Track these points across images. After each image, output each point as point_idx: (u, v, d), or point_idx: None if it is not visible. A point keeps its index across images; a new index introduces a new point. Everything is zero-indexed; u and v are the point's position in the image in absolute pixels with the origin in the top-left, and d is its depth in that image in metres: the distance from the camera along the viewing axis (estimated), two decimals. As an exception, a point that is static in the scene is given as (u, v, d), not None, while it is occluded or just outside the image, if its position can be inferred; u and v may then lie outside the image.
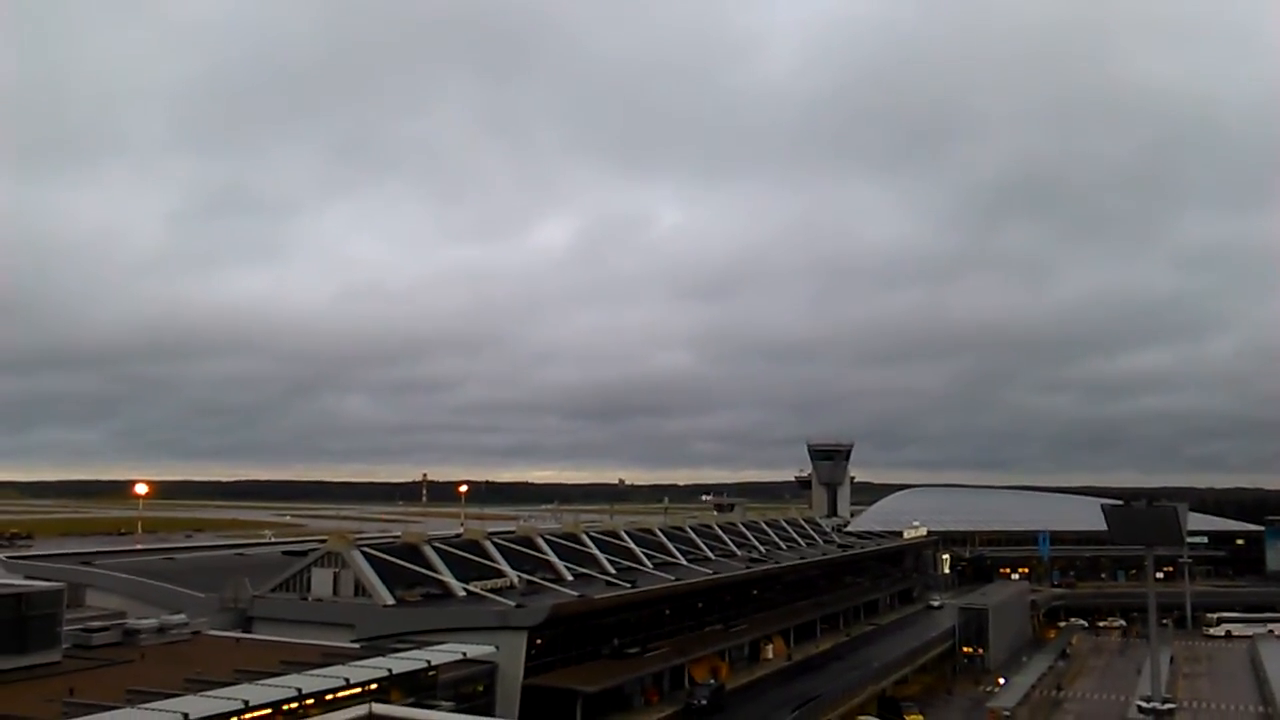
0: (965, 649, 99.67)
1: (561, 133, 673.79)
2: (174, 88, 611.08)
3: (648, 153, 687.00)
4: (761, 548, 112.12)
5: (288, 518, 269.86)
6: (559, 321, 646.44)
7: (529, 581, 72.12)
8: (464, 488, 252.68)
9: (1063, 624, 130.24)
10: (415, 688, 47.39)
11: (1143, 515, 72.43)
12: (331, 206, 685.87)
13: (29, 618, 44.87)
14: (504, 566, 72.83)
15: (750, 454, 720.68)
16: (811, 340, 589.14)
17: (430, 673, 48.94)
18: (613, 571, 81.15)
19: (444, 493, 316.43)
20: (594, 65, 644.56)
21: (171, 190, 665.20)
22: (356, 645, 53.19)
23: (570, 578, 75.99)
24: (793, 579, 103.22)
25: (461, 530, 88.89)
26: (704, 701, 66.80)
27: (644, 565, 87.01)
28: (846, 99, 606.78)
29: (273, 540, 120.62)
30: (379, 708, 38.22)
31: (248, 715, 37.39)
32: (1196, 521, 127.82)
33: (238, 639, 56.29)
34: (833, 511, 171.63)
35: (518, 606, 61.70)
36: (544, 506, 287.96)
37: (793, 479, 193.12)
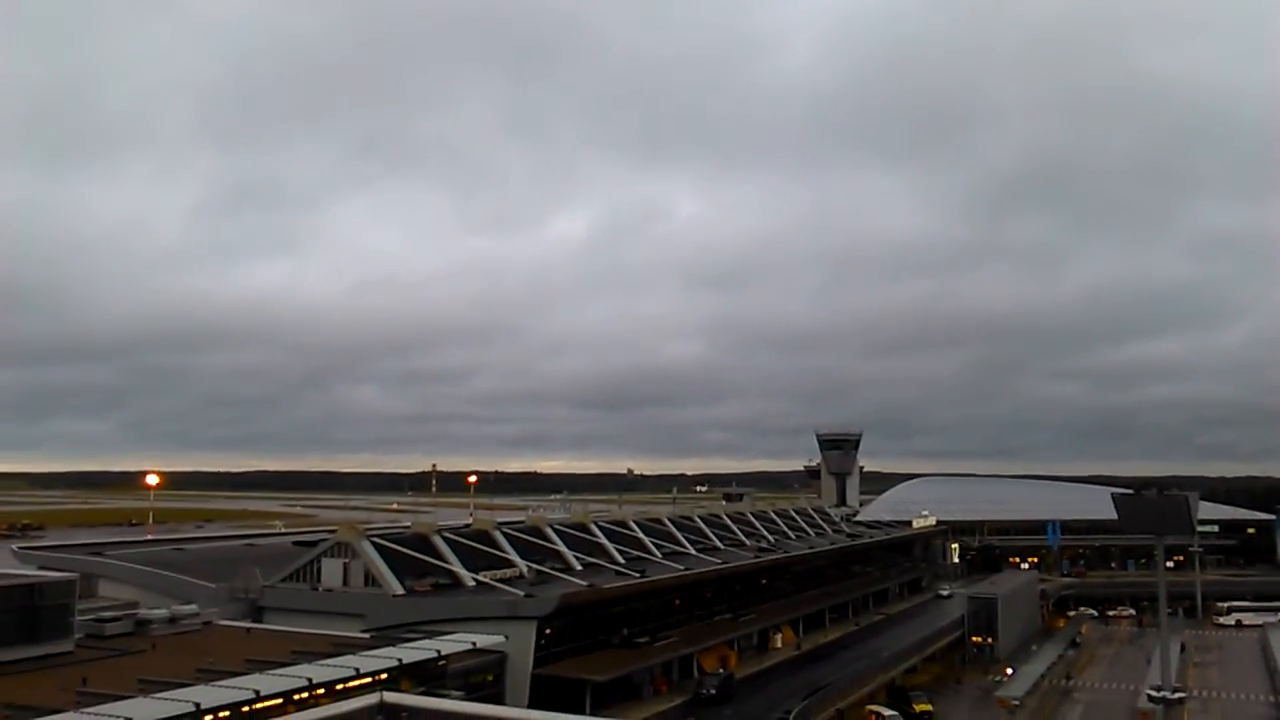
0: (974, 638, 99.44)
1: (579, 127, 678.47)
2: (199, 84, 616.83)
3: (664, 146, 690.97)
4: (770, 537, 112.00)
5: (298, 508, 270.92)
6: (571, 312, 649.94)
7: (538, 571, 72.22)
8: (473, 478, 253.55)
9: (1072, 613, 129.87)
10: (425, 677, 47.64)
11: (1153, 504, 71.98)
12: (350, 200, 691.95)
13: (42, 608, 45.29)
14: (513, 556, 72.95)
15: (759, 444, 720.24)
16: (822, 330, 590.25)
17: (440, 662, 49.17)
18: (622, 561, 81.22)
19: (453, 483, 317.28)
20: (613, 61, 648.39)
21: (193, 184, 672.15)
22: (367, 635, 53.41)
23: (579, 567, 76.07)
24: (801, 569, 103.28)
25: (471, 520, 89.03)
26: (713, 691, 66.92)
27: (653, 555, 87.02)
28: (860, 92, 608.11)
29: (283, 531, 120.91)
30: (390, 696, 38.38)
31: (259, 705, 37.61)
32: (1207, 510, 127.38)
33: (248, 629, 56.68)
34: (842, 501, 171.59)
35: (527, 596, 61.83)
36: (553, 496, 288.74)
37: (802, 469, 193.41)
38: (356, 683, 42.00)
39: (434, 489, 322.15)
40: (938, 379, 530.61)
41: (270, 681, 39.32)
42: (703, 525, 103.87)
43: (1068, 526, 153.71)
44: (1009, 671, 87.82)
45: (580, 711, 55.11)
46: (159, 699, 35.63)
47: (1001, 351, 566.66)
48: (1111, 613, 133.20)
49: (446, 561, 68.16)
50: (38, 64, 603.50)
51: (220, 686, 37.93)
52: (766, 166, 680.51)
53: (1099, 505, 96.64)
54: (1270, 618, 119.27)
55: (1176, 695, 68.23)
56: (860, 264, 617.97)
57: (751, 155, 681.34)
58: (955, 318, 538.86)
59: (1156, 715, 68.55)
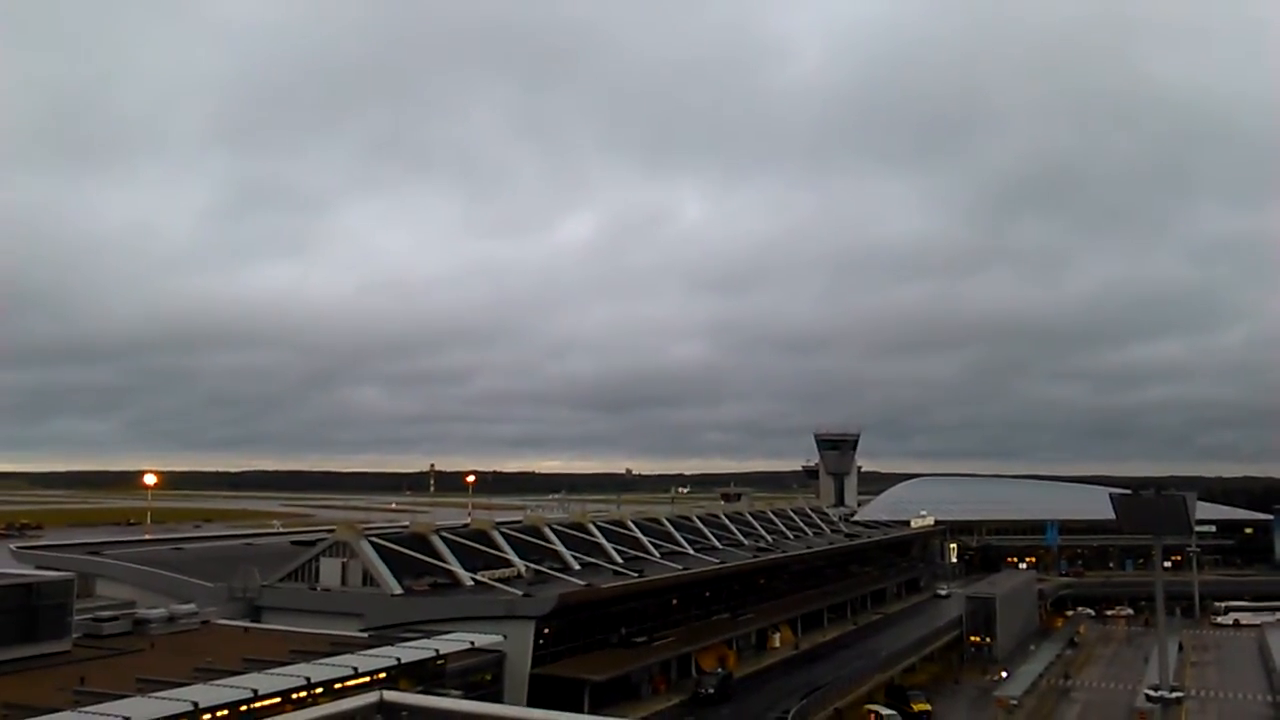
0: (973, 638, 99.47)
1: (590, 132, 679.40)
2: (211, 87, 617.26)
3: (670, 151, 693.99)
4: (769, 537, 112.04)
5: (296, 508, 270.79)
6: (575, 315, 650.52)
7: (536, 571, 72.20)
8: (471, 478, 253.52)
9: (1070, 613, 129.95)
10: (424, 676, 47.58)
11: (1151, 504, 71.90)
12: (360, 204, 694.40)
13: (39, 607, 45.21)
14: (511, 556, 72.93)
15: (758, 444, 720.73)
16: (824, 332, 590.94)
17: (439, 662, 49.13)
18: (620, 561, 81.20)
19: (452, 483, 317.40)
20: (624, 67, 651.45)
21: (205, 186, 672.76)
22: (365, 634, 53.32)
23: (578, 567, 76.05)
24: (799, 568, 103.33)
25: (469, 520, 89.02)
26: (711, 690, 66.95)
27: (651, 555, 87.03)
28: (864, 97, 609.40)
29: (281, 530, 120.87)
30: (390, 695, 38.35)
31: (257, 704, 37.54)
32: (1205, 510, 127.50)
33: (246, 628, 56.61)
34: (840, 501, 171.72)
35: (525, 596, 61.82)
36: (551, 496, 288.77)
37: (800, 469, 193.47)
38: (355, 682, 41.96)
39: (432, 489, 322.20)
40: (938, 380, 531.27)
41: (268, 681, 39.26)
42: (701, 525, 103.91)
43: (1066, 526, 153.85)
44: (1004, 674, 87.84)
45: (578, 711, 55.09)
46: (157, 698, 35.55)
47: (1002, 353, 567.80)
48: (1109, 612, 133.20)
49: (445, 561, 68.13)
50: (51, 66, 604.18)
51: (218, 686, 37.86)
52: (771, 171, 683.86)
53: (1097, 505, 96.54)
54: (1268, 617, 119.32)
55: (1174, 695, 68.17)
56: (863, 267, 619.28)
57: (756, 160, 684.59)
58: (957, 320, 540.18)
59: (1154, 715, 68.49)
